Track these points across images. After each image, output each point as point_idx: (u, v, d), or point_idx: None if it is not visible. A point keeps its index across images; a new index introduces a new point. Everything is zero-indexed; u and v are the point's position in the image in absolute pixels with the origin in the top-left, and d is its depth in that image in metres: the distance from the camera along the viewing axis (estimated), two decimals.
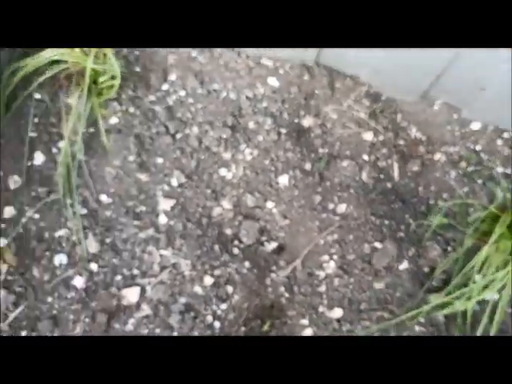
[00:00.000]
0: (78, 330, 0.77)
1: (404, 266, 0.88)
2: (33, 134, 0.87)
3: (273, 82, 0.94)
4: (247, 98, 0.92)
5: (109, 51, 0.80)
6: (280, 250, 0.88)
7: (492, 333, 0.85)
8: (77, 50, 0.80)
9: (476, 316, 0.87)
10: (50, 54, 0.80)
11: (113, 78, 0.83)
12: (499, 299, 0.89)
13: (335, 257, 0.86)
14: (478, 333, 0.84)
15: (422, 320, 0.88)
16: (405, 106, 1.02)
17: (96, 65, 0.81)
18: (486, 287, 0.87)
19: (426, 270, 0.90)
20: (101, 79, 0.82)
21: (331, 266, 0.86)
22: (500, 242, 0.89)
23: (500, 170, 1.02)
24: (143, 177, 0.86)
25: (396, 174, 0.98)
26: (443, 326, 0.87)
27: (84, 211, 0.83)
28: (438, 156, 1.02)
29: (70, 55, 0.80)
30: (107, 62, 0.81)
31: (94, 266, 0.81)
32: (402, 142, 1.00)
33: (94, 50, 0.79)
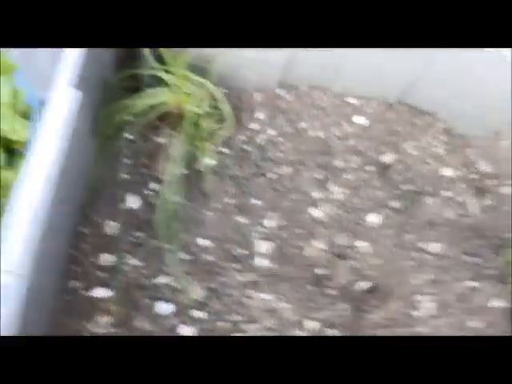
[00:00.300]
0: None
1: (498, 303, 0.88)
2: (125, 176, 0.83)
3: (358, 119, 0.93)
4: (335, 135, 0.91)
5: (219, 94, 0.78)
6: (374, 289, 0.86)
7: None
8: (179, 93, 0.77)
9: None
10: (151, 99, 0.77)
11: (219, 121, 0.81)
12: None
13: (430, 296, 0.85)
14: None
15: None
16: (478, 142, 1.02)
17: (198, 108, 0.78)
18: None
19: None
20: (204, 123, 0.80)
21: (427, 306, 0.85)
22: None
23: None
24: (242, 219, 0.84)
25: (475, 209, 0.98)
26: None
27: (184, 256, 0.81)
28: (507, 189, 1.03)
29: (173, 98, 0.77)
30: (216, 106, 0.79)
31: (198, 314, 0.78)
32: (476, 177, 1.01)
33: (198, 94, 0.77)
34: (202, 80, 0.78)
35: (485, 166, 1.02)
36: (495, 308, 0.86)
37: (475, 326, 0.85)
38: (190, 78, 0.78)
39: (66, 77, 0.61)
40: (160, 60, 0.79)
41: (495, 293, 0.87)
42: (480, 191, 0.99)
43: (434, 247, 0.88)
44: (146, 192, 0.83)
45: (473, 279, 0.87)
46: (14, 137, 0.73)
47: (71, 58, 0.63)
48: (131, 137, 0.83)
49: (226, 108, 0.80)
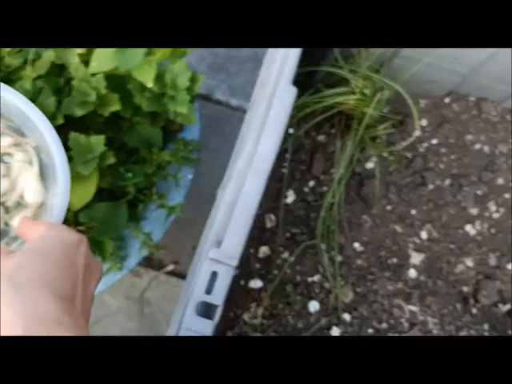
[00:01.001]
0: None
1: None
2: (285, 171, 0.82)
3: None
4: (501, 153, 0.85)
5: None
6: None
7: None
8: (358, 93, 0.74)
9: None
10: (328, 98, 0.74)
11: (393, 126, 0.78)
12: None
13: None
14: None
15: None
16: None
17: (372, 110, 0.75)
18: None
19: None
20: (380, 127, 0.76)
21: None
22: None
23: None
24: (398, 228, 0.81)
25: None
26: None
27: (339, 258, 0.79)
28: None
29: (351, 98, 0.74)
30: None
31: (347, 317, 0.77)
32: None
33: (375, 96, 0.73)
34: (385, 81, 0.74)
35: None
36: None
37: None
38: (372, 79, 0.74)
39: (289, 73, 0.60)
40: (340, 58, 0.76)
41: None
42: None
43: None
44: (304, 189, 0.81)
45: None
46: (180, 120, 0.72)
47: (290, 55, 0.61)
48: (294, 132, 0.81)
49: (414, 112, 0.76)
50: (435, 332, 0.76)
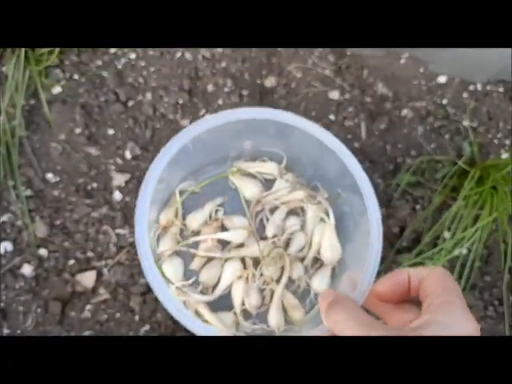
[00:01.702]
0: (29, 322, 0.66)
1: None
2: None
3: None
4: (204, 58, 0.79)
5: None
6: None
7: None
8: None
9: None
10: None
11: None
12: (469, 254, 0.83)
13: None
14: None
15: None
16: (370, 61, 0.90)
17: None
18: (456, 244, 0.80)
19: (396, 230, 0.81)
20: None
21: None
22: (469, 198, 0.82)
23: (466, 123, 0.93)
24: (93, 151, 0.73)
25: (363, 132, 0.87)
26: None
27: (29, 192, 0.70)
28: (405, 112, 0.91)
29: None
30: None
31: (43, 252, 0.69)
32: (368, 100, 0.89)
33: None
34: None
35: (382, 88, 0.91)
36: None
37: None
38: None
39: None
40: None
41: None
42: (373, 114, 0.89)
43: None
44: None
45: None
46: None
47: None
48: None
49: None
50: None
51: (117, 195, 0.71)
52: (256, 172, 0.63)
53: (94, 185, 0.71)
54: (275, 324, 0.59)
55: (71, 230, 0.69)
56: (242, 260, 0.60)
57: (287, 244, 0.62)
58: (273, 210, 0.63)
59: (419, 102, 0.91)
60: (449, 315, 0.34)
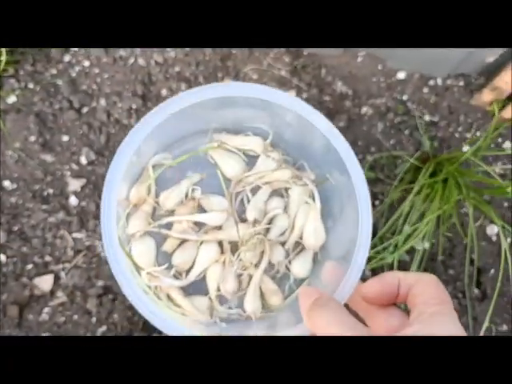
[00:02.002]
0: None
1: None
2: None
3: None
4: (157, 63, 0.81)
5: None
6: None
7: None
8: None
9: (405, 266, 0.81)
10: None
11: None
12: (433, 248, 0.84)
13: None
14: None
15: None
16: (328, 60, 0.91)
17: None
18: (409, 237, 0.80)
19: None
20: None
21: None
22: (423, 191, 0.83)
23: (427, 118, 0.94)
24: (48, 157, 0.75)
25: None
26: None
27: None
28: (364, 109, 0.93)
29: None
30: None
31: (1, 257, 0.70)
32: (327, 98, 0.91)
33: None
34: None
35: (341, 87, 0.93)
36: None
37: None
38: None
39: None
40: None
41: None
42: (332, 113, 0.90)
43: None
44: None
45: None
46: None
47: None
48: None
49: None
50: (103, 254, 0.72)
51: (73, 200, 0.73)
52: (238, 147, 0.57)
53: (50, 191, 0.73)
54: (251, 310, 0.55)
55: (29, 235, 0.71)
56: (219, 243, 0.55)
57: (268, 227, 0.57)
58: (255, 191, 0.57)
59: (379, 98, 0.92)
60: (443, 328, 0.32)
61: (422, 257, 0.82)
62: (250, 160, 0.58)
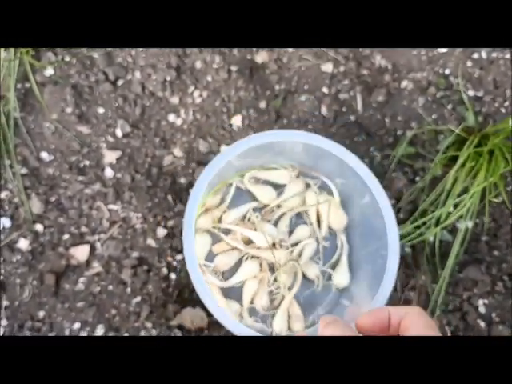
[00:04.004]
0: (26, 294, 0.72)
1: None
2: None
3: None
4: None
5: None
6: None
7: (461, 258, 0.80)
8: None
9: (447, 246, 0.80)
10: None
11: None
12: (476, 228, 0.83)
13: None
14: (450, 261, 0.77)
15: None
16: None
17: None
18: (450, 213, 0.80)
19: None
20: None
21: None
22: (467, 164, 0.82)
23: (471, 93, 0.93)
24: (84, 129, 0.78)
25: (359, 105, 0.89)
26: (410, 257, 0.80)
27: (25, 171, 0.76)
28: (404, 83, 0.93)
29: None
30: None
31: (39, 227, 0.74)
32: (365, 72, 0.91)
33: None
34: None
35: (380, 60, 0.93)
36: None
37: None
38: None
39: None
40: None
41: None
42: (370, 87, 0.90)
43: None
44: None
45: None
46: None
47: None
48: None
49: None
50: (138, 226, 0.75)
51: (108, 172, 0.76)
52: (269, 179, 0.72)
53: (87, 162, 0.76)
54: (279, 329, 0.66)
55: (65, 206, 0.74)
56: (261, 262, 0.68)
57: (300, 253, 0.70)
58: (280, 216, 0.72)
59: (420, 72, 0.92)
60: None
61: (464, 237, 0.81)
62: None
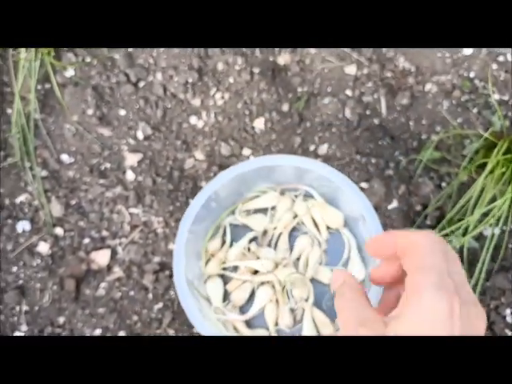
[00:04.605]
0: (46, 299, 0.71)
1: (393, 205, 0.80)
2: None
3: None
4: None
5: None
6: None
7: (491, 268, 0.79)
8: None
9: (475, 254, 0.79)
10: None
11: None
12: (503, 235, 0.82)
13: None
14: (477, 270, 0.76)
15: None
16: None
17: None
18: (480, 221, 0.79)
19: (419, 208, 0.81)
20: None
21: None
22: (496, 171, 0.81)
23: (496, 96, 0.92)
24: (105, 131, 0.78)
25: (383, 108, 0.88)
26: None
27: (45, 173, 0.75)
28: (428, 86, 0.92)
29: None
30: None
31: (59, 231, 0.74)
32: (389, 74, 0.90)
33: None
34: None
35: (403, 63, 0.92)
36: (389, 209, 0.79)
37: None
38: None
39: None
40: None
41: (392, 194, 0.80)
42: (393, 90, 0.89)
43: (324, 149, 0.80)
44: (9, 111, 0.78)
45: (367, 180, 0.79)
46: None
47: None
48: None
49: None
50: (159, 230, 0.74)
51: (129, 175, 0.75)
52: (257, 207, 0.73)
53: (108, 165, 0.76)
54: None
55: (86, 209, 0.74)
56: (272, 284, 0.70)
57: (306, 263, 0.71)
58: (278, 236, 0.73)
59: (444, 75, 0.91)
60: (415, 309, 0.31)
61: (490, 243, 0.80)
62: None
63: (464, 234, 0.76)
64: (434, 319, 0.30)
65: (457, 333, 0.30)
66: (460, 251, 0.78)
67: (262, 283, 0.70)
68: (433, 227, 0.79)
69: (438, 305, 0.30)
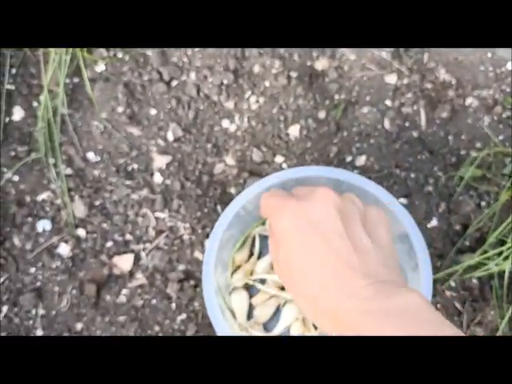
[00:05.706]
0: (64, 303, 0.68)
1: (433, 223, 0.77)
2: (10, 87, 0.77)
3: None
4: None
5: None
6: None
7: None
8: None
9: None
10: None
11: None
12: None
13: None
14: None
15: (453, 284, 0.78)
16: None
17: None
18: None
19: (458, 227, 0.78)
20: None
21: None
22: None
23: None
24: (135, 131, 0.75)
25: (423, 121, 0.85)
26: (477, 289, 0.77)
27: (69, 171, 0.73)
28: (469, 101, 0.89)
29: None
30: None
31: (81, 232, 0.71)
32: (429, 86, 0.88)
33: None
34: None
35: (444, 74, 0.89)
36: (429, 228, 0.76)
37: None
38: None
39: None
40: None
41: (431, 211, 0.77)
42: (433, 102, 0.86)
43: (362, 160, 0.77)
44: (34, 104, 0.76)
45: (406, 196, 0.77)
46: None
47: None
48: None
49: None
50: (186, 237, 0.71)
51: (157, 177, 0.73)
52: None
53: (135, 166, 0.73)
54: None
55: (110, 211, 0.71)
56: None
57: None
58: None
59: (486, 90, 0.88)
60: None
61: None
62: None
63: (506, 259, 0.73)
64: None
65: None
66: (500, 276, 0.75)
67: (288, 301, 0.68)
68: (473, 249, 0.76)
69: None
